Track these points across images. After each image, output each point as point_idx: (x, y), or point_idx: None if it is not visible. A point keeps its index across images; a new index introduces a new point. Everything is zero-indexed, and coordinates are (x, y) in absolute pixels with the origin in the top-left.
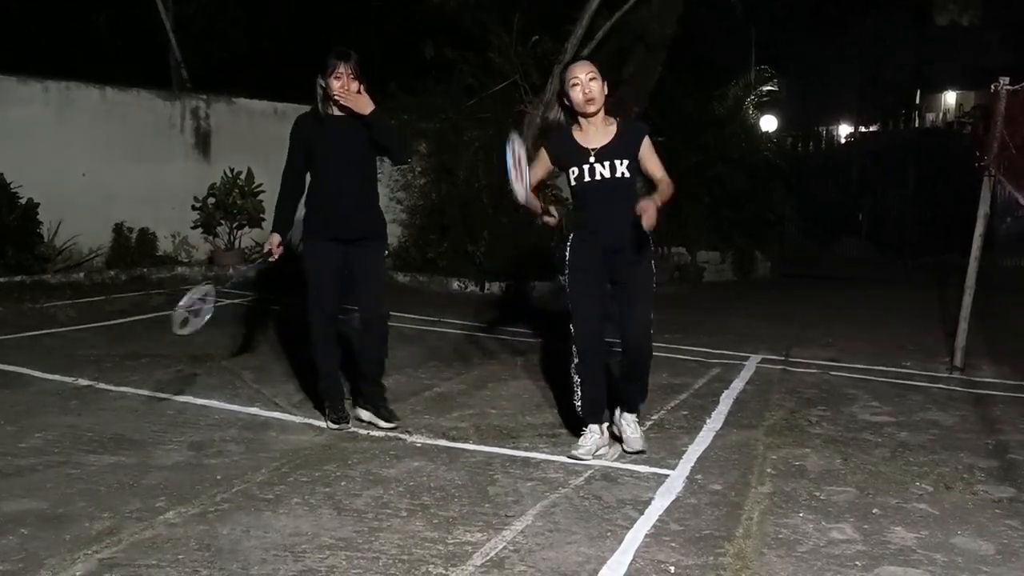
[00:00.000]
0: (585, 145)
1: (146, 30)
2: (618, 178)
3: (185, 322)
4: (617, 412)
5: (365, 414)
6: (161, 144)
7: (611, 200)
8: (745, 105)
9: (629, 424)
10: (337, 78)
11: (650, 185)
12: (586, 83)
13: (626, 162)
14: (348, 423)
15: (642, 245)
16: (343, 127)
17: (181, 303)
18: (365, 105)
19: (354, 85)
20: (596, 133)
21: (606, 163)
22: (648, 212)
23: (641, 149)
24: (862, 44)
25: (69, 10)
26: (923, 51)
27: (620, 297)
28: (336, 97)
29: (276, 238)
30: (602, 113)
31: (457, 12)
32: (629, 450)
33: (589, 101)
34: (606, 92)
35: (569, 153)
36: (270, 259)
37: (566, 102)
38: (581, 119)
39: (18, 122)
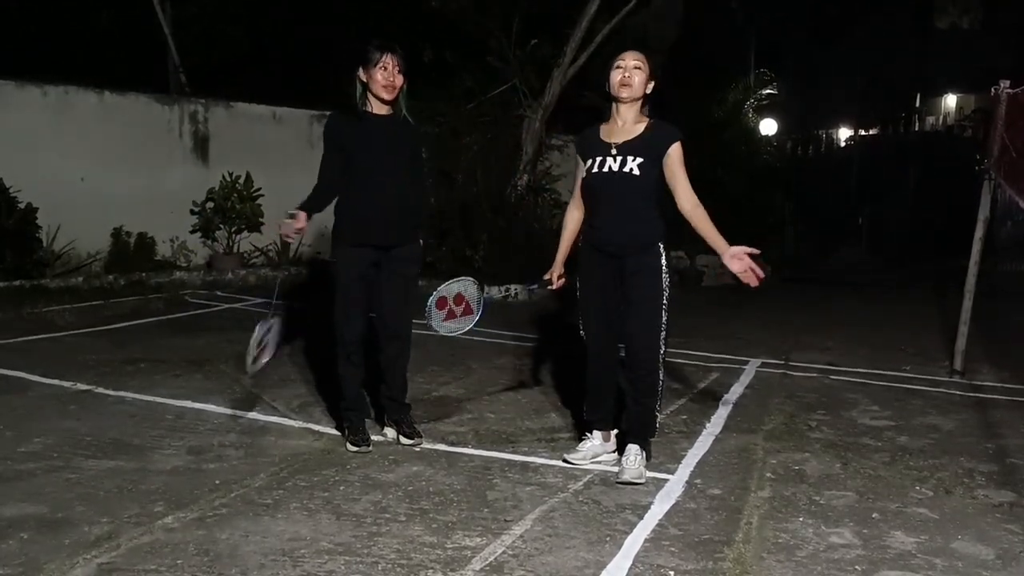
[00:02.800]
0: (608, 140)
1: (146, 31)
2: (625, 173)
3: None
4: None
5: (391, 432)
6: (160, 148)
7: (613, 195)
8: (745, 108)
9: (630, 454)
10: (384, 68)
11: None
12: (629, 68)
13: (640, 160)
14: (369, 446)
15: (644, 248)
16: (384, 124)
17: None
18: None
19: (399, 79)
20: (622, 130)
21: (619, 158)
22: (740, 262)
23: (668, 155)
24: (862, 47)
25: (69, 11)
26: (923, 54)
27: (624, 309)
28: None
29: (302, 215)
30: (635, 111)
31: (457, 14)
32: (617, 480)
33: (624, 86)
34: (648, 91)
35: (592, 147)
36: (292, 234)
37: (606, 88)
38: (613, 111)
39: (17, 126)
